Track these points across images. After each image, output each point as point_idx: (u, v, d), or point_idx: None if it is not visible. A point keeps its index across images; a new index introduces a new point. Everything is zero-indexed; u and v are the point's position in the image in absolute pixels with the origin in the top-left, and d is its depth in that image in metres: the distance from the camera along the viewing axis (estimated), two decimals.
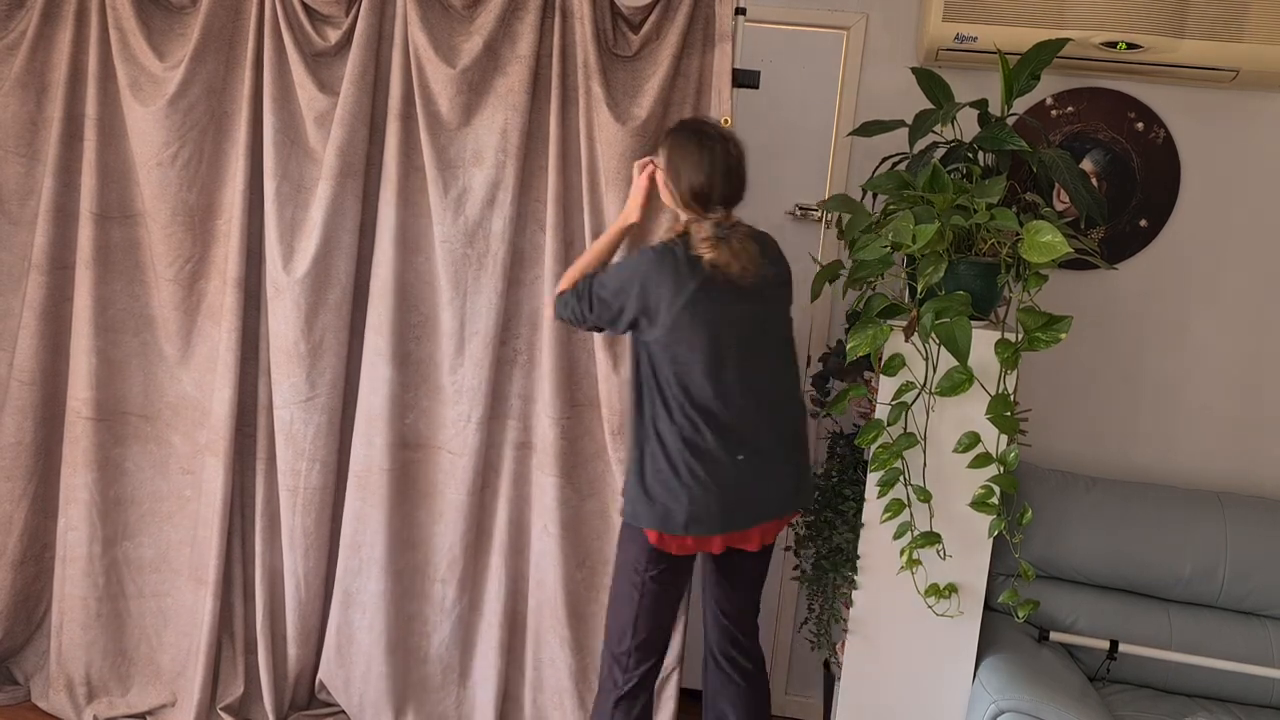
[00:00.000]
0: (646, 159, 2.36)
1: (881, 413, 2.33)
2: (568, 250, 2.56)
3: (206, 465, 2.73)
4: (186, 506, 2.80)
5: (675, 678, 2.68)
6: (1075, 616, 2.61)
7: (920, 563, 2.35)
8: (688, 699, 2.89)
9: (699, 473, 2.12)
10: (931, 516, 2.33)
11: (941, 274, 2.15)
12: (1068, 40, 2.40)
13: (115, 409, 2.77)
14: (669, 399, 2.15)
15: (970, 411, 2.28)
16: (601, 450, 2.62)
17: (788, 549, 2.81)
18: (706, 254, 2.12)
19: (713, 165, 2.13)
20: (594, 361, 2.57)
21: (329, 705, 2.84)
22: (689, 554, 2.23)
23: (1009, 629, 2.55)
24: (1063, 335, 2.14)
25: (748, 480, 2.16)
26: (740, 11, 2.48)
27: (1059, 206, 2.86)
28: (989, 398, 2.24)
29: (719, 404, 2.14)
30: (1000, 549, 2.66)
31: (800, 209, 3.03)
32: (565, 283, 2.34)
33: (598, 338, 2.51)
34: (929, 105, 2.77)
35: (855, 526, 2.48)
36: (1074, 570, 2.63)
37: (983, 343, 2.24)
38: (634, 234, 2.44)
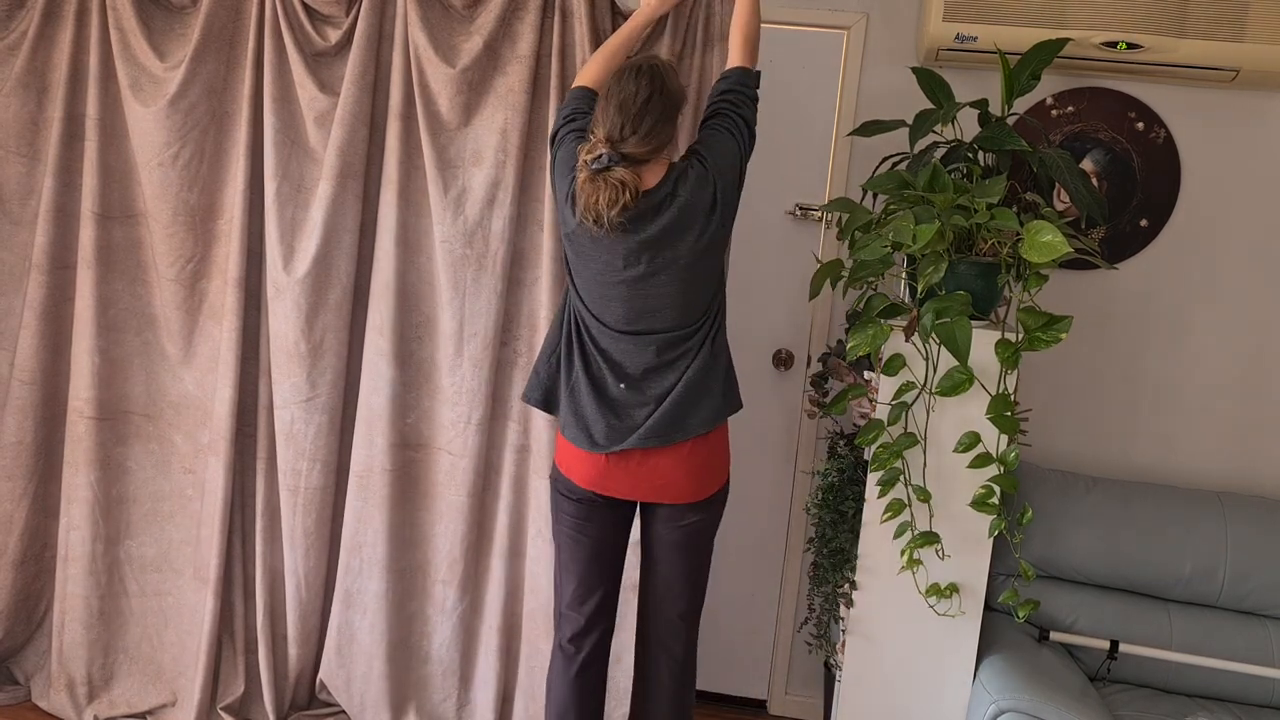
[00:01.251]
0: None
1: (882, 413, 2.33)
2: None
3: (208, 465, 2.73)
4: (188, 506, 2.80)
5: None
6: (1075, 616, 2.61)
7: (920, 563, 2.35)
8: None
9: (582, 379, 2.15)
10: (931, 516, 2.33)
11: (942, 274, 2.15)
12: (1068, 40, 2.40)
13: (117, 408, 2.78)
14: (575, 311, 2.18)
15: (970, 411, 2.28)
16: None
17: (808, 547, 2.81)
18: (579, 190, 2.04)
19: (619, 93, 2.03)
20: None
21: (329, 705, 2.84)
22: (591, 492, 2.19)
23: (1009, 629, 2.55)
24: (1063, 335, 2.14)
25: (627, 404, 2.13)
26: None
27: (1059, 206, 2.86)
28: (989, 398, 2.24)
29: (607, 337, 2.13)
30: (1000, 549, 2.66)
31: (800, 209, 3.03)
32: (580, 76, 2.28)
33: None
34: (929, 105, 2.77)
35: (855, 526, 2.48)
36: (1074, 570, 2.63)
37: (983, 343, 2.24)
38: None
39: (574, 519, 2.23)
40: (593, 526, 2.23)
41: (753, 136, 2.17)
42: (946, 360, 2.27)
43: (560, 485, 2.23)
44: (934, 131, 2.49)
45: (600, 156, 1.99)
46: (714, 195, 2.08)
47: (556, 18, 2.51)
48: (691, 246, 2.07)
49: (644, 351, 2.11)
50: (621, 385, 2.13)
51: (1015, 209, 2.46)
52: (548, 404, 2.24)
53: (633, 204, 2.00)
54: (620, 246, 2.05)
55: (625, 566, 2.38)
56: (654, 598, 2.29)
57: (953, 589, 2.34)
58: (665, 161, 2.08)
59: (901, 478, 2.31)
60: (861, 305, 2.35)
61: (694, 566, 2.27)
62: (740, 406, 2.22)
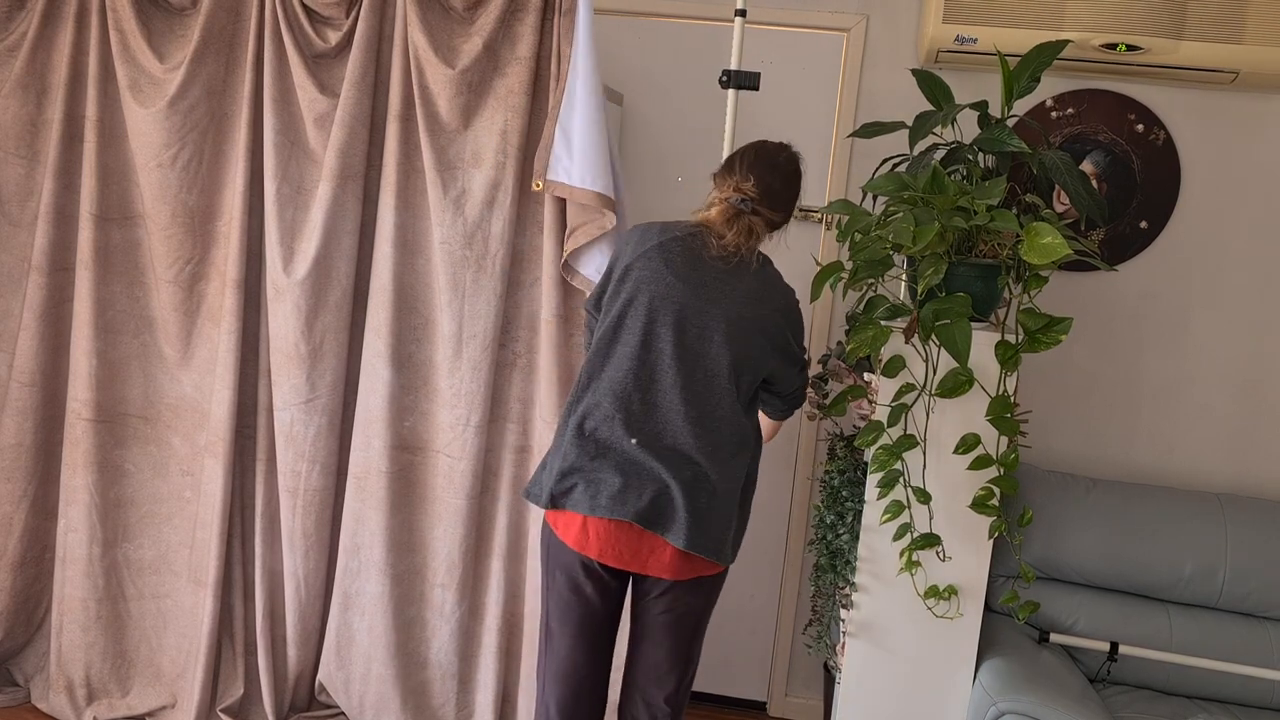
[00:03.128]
0: None
1: (881, 414, 2.33)
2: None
3: (206, 467, 2.73)
4: (186, 508, 2.80)
5: None
6: (1075, 618, 2.61)
7: (920, 564, 2.35)
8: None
9: (585, 442, 1.95)
10: (931, 518, 2.33)
11: (941, 275, 2.15)
12: (1068, 42, 2.40)
13: (115, 410, 2.77)
14: (588, 370, 2.01)
15: (970, 413, 2.28)
16: None
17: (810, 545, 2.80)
18: (707, 212, 2.11)
19: (755, 151, 2.14)
20: None
21: (329, 707, 2.84)
22: (584, 567, 1.98)
23: (1009, 630, 2.55)
24: (1063, 337, 2.14)
25: (638, 468, 1.92)
26: (740, 13, 2.48)
27: (1059, 208, 2.86)
28: (989, 399, 2.24)
29: (634, 379, 1.96)
30: (1000, 550, 2.66)
31: (800, 210, 3.02)
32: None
33: None
34: (929, 107, 2.78)
35: (855, 528, 2.47)
36: (1074, 571, 2.63)
37: (983, 344, 2.24)
38: None
39: (571, 590, 2.04)
40: (590, 608, 2.05)
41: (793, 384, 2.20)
42: (946, 362, 2.27)
43: (552, 537, 2.08)
44: (934, 133, 2.48)
45: (742, 199, 2.07)
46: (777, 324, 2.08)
47: (556, 19, 2.51)
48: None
49: (681, 417, 2.11)
50: (634, 440, 2.11)
51: (1015, 211, 2.46)
52: (539, 484, 2.09)
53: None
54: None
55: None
56: (639, 677, 2.10)
57: (952, 590, 2.34)
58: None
59: (901, 479, 2.31)
60: (861, 307, 2.35)
61: (689, 649, 2.08)
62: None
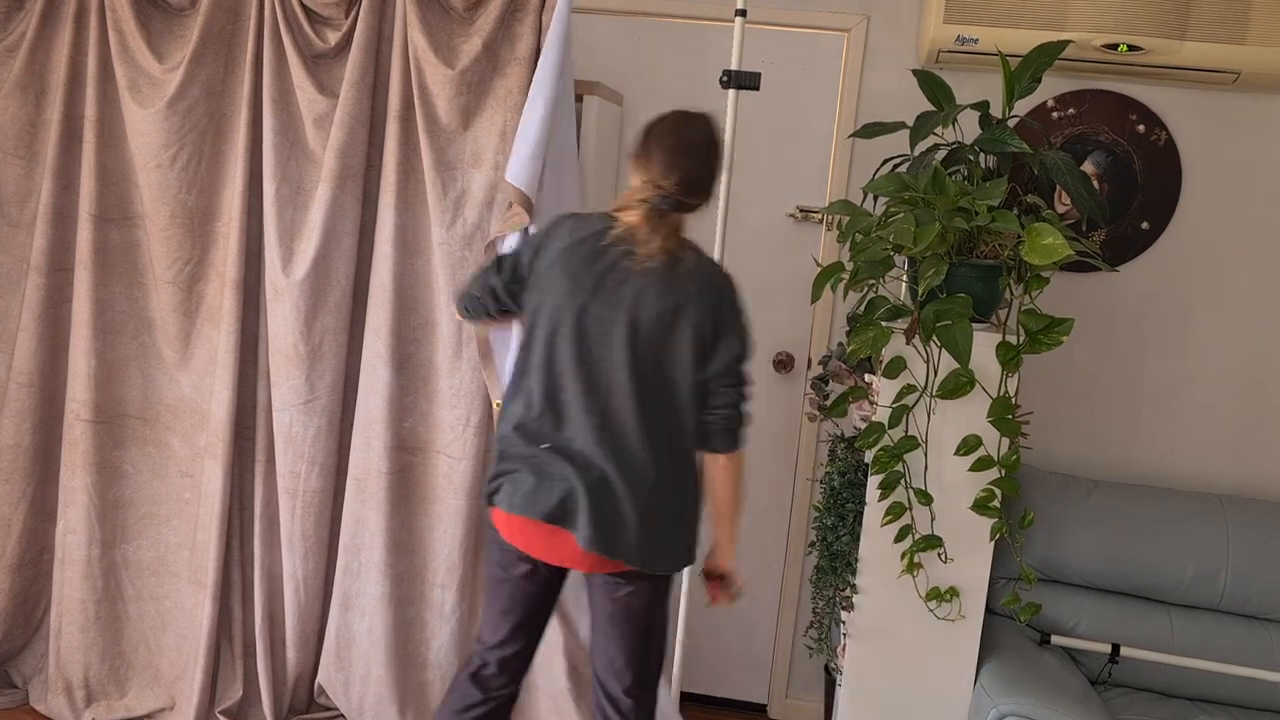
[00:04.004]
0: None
1: (882, 415, 2.32)
2: None
3: (205, 468, 2.72)
4: (185, 509, 2.80)
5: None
6: (1077, 620, 2.61)
7: (921, 566, 2.34)
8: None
9: (508, 444, 2.04)
10: (933, 520, 2.33)
11: (942, 276, 2.15)
12: (1069, 42, 2.39)
13: (114, 411, 2.77)
14: (514, 373, 2.07)
15: (971, 414, 2.28)
16: None
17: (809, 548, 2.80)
18: (625, 216, 2.00)
19: (671, 135, 2.00)
20: None
21: (328, 709, 2.83)
22: (514, 554, 2.07)
23: (1010, 632, 2.55)
24: (1064, 338, 2.13)
25: (549, 470, 1.99)
26: (741, 13, 2.48)
27: (1060, 209, 2.85)
28: (990, 400, 2.23)
29: (543, 387, 2.00)
30: (1001, 552, 2.66)
31: (801, 211, 3.02)
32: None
33: None
34: (930, 107, 2.77)
35: (856, 530, 2.47)
36: (1075, 573, 2.63)
37: (984, 345, 2.23)
38: None
39: (506, 567, 2.13)
40: (521, 583, 2.12)
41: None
42: (947, 363, 2.27)
43: (493, 523, 2.15)
44: (935, 133, 2.48)
45: (659, 196, 1.98)
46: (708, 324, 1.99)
47: (542, 18, 2.50)
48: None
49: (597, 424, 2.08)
50: (545, 445, 2.10)
51: (1016, 211, 2.45)
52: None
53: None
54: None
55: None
56: (599, 669, 2.15)
57: (953, 592, 2.33)
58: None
59: (902, 481, 2.30)
60: (862, 308, 2.34)
61: (645, 635, 2.10)
62: None
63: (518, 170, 2.40)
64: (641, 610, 2.08)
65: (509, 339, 2.50)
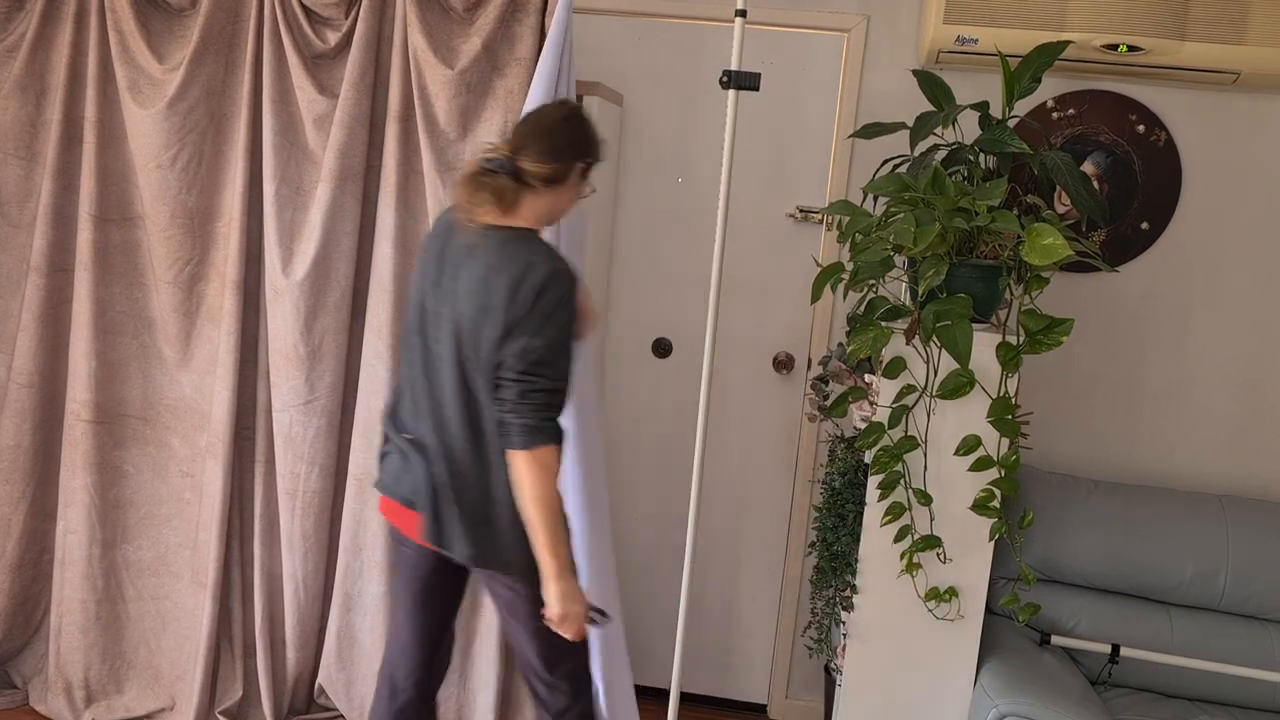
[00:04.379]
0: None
1: (882, 416, 2.32)
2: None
3: (206, 468, 2.72)
4: (186, 509, 2.80)
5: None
6: (1076, 620, 2.61)
7: (921, 566, 2.34)
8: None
9: (385, 430, 2.14)
10: (932, 520, 2.33)
11: (942, 276, 2.14)
12: (1069, 42, 2.39)
13: (115, 412, 2.77)
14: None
15: (971, 414, 2.28)
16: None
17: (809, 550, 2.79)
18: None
19: (533, 113, 1.99)
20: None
21: (328, 709, 2.83)
22: (394, 525, 2.11)
23: (1010, 632, 2.55)
24: (1064, 338, 2.13)
25: (406, 457, 2.03)
26: (741, 13, 2.47)
27: (1060, 209, 2.85)
28: (990, 400, 2.23)
29: (403, 378, 2.06)
30: (1001, 552, 2.66)
31: (801, 211, 3.02)
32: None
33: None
34: (930, 107, 2.77)
35: (856, 530, 2.47)
36: (1075, 573, 2.62)
37: (984, 345, 2.24)
38: None
39: (395, 555, 2.20)
40: (404, 572, 2.16)
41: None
42: (947, 363, 2.27)
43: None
44: (934, 134, 2.48)
45: (486, 160, 1.94)
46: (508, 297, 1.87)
47: (544, 19, 2.50)
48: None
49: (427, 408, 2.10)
50: (397, 432, 2.14)
51: (1016, 211, 2.45)
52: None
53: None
54: None
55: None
56: (515, 652, 2.16)
57: (953, 592, 2.33)
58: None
59: (902, 481, 2.30)
60: (862, 308, 2.34)
61: (520, 637, 2.08)
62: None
63: None
64: (506, 606, 2.06)
65: None
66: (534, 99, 2.38)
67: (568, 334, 1.89)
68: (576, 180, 2.03)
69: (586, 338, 2.22)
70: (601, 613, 2.02)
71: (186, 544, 2.80)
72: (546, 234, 2.39)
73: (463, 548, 1.98)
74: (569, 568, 1.93)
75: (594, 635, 2.40)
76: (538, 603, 2.01)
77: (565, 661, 2.10)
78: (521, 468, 1.88)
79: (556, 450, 1.88)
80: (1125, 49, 2.60)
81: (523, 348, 1.86)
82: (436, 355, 1.98)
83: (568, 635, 1.96)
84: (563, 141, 1.96)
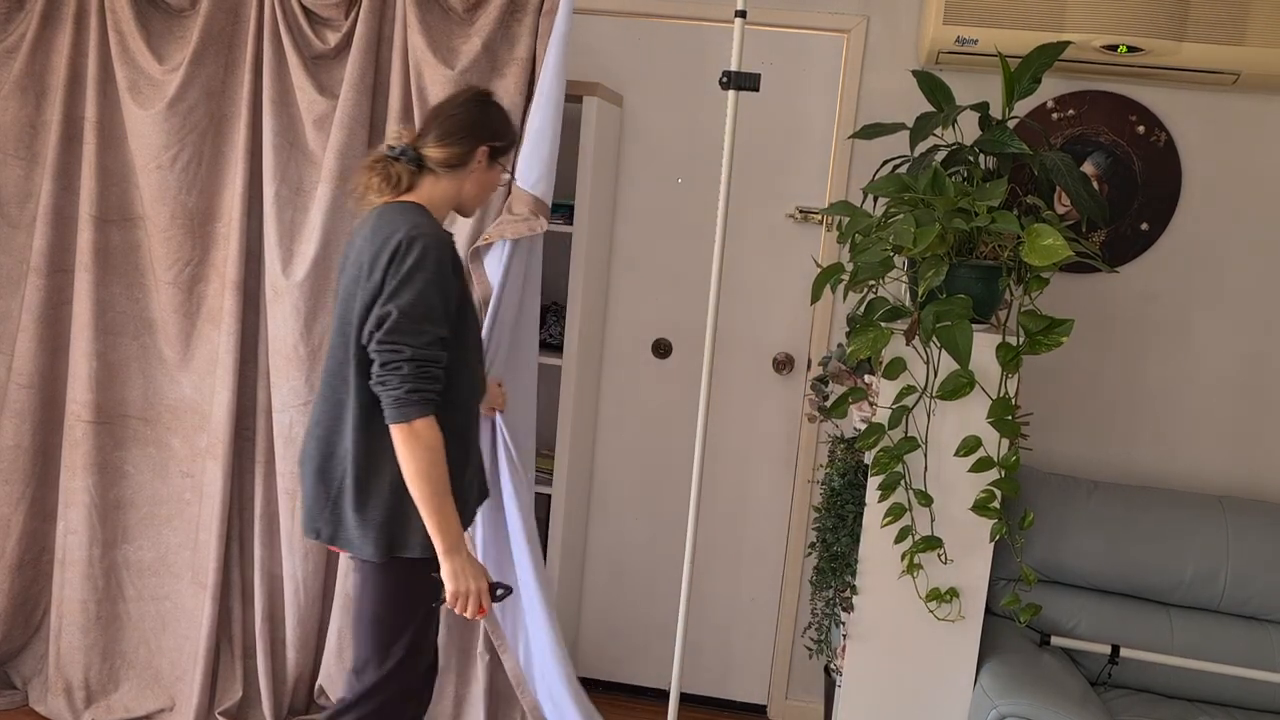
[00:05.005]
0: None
1: (882, 416, 2.32)
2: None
3: (206, 469, 2.72)
4: (186, 510, 2.80)
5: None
6: (1076, 620, 2.60)
7: (921, 567, 2.34)
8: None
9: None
10: (932, 521, 2.33)
11: (942, 277, 2.14)
12: (1069, 43, 2.39)
13: (115, 412, 2.77)
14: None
15: (971, 415, 2.28)
16: None
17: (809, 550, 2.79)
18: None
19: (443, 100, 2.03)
20: None
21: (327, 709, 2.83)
22: None
23: (1010, 633, 2.54)
24: (1064, 339, 2.13)
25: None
26: (740, 14, 2.47)
27: (1060, 209, 2.85)
28: (990, 401, 2.23)
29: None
30: (1001, 553, 2.66)
31: (801, 212, 3.02)
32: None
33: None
34: (929, 108, 2.77)
35: (856, 531, 2.47)
36: (1075, 574, 2.62)
37: (984, 346, 2.23)
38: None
39: None
40: None
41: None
42: (947, 364, 2.27)
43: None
44: (934, 134, 2.48)
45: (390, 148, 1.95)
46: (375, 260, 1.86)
47: (539, 19, 2.50)
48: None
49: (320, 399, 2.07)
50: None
51: (1016, 212, 2.45)
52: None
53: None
54: None
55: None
56: None
57: (953, 593, 2.33)
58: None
59: (902, 482, 2.30)
60: (862, 308, 2.34)
61: (357, 618, 2.00)
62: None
63: (534, 177, 2.37)
64: (358, 599, 1.99)
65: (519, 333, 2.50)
66: (546, 102, 2.37)
67: (429, 299, 1.82)
68: (483, 165, 2.00)
69: (490, 411, 2.27)
70: (507, 589, 2.00)
71: (186, 544, 2.80)
72: (499, 249, 2.38)
73: (322, 529, 1.96)
74: (460, 541, 1.88)
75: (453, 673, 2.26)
76: (379, 596, 1.95)
77: (369, 672, 1.99)
78: (397, 442, 1.83)
79: (430, 423, 1.82)
80: (1125, 50, 2.60)
81: (380, 315, 1.82)
82: (330, 339, 1.98)
83: (467, 614, 1.91)
84: (462, 124, 1.95)
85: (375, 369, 1.83)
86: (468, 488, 2.05)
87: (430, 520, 1.86)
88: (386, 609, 1.96)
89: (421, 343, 1.82)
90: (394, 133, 2.01)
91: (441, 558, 1.89)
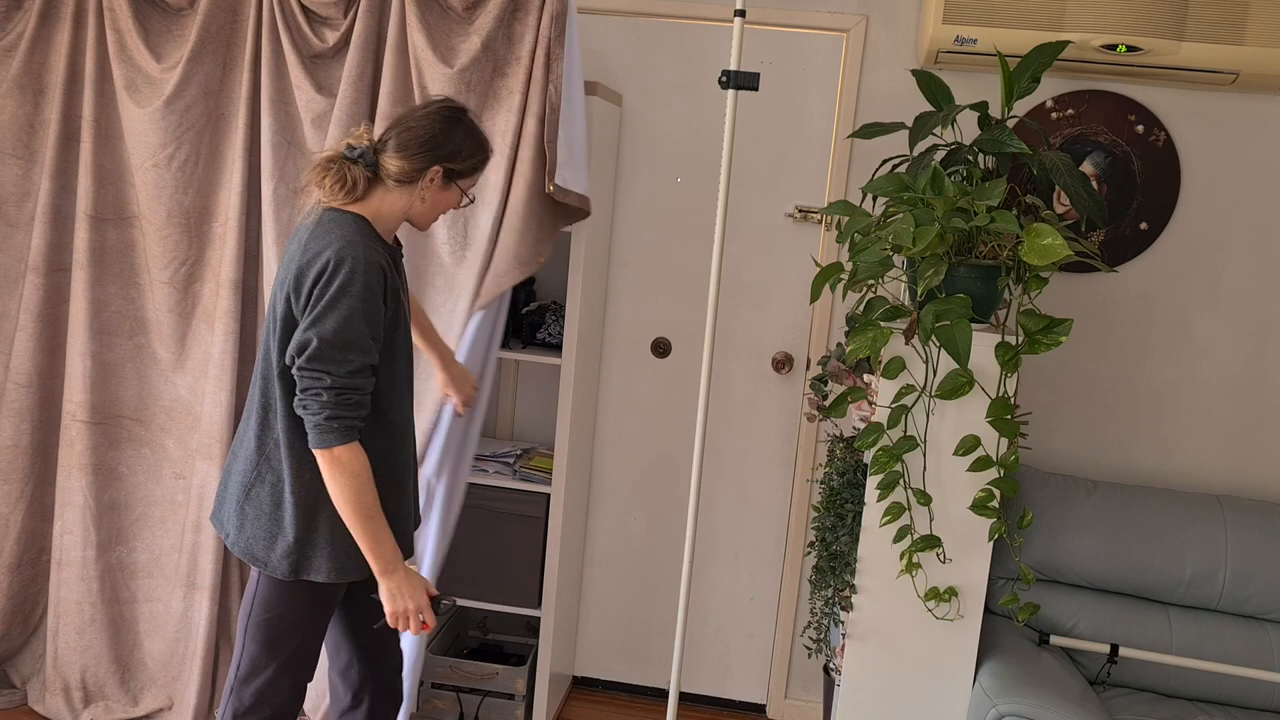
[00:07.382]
0: None
1: (881, 416, 2.32)
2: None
3: (199, 469, 2.72)
4: (178, 512, 2.79)
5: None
6: (1075, 620, 2.61)
7: (920, 566, 2.34)
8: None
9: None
10: (931, 520, 2.33)
11: (941, 277, 2.14)
12: (1068, 43, 2.39)
13: (110, 412, 2.76)
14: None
15: (970, 415, 2.28)
16: None
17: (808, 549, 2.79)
18: None
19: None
20: None
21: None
22: None
23: (1009, 633, 2.54)
24: (1063, 338, 2.13)
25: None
26: (740, 13, 2.47)
27: (1059, 209, 2.85)
28: (989, 401, 2.23)
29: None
30: (1000, 552, 2.66)
31: (800, 211, 3.02)
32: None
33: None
34: (929, 107, 2.77)
35: (855, 530, 2.47)
36: (1074, 574, 2.62)
37: (983, 346, 2.23)
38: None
39: None
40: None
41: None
42: (946, 363, 2.27)
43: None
44: (934, 134, 2.48)
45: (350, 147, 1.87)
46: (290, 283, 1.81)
47: (540, 19, 2.50)
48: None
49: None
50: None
51: (1015, 212, 2.45)
52: None
53: None
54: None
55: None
56: None
57: (952, 592, 2.33)
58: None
59: (901, 481, 2.30)
60: (861, 308, 2.34)
61: (243, 626, 1.96)
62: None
63: (586, 177, 2.49)
64: (247, 603, 1.95)
65: (486, 326, 2.52)
66: (576, 101, 2.43)
67: (354, 326, 1.76)
68: (435, 185, 1.90)
69: (463, 410, 2.26)
70: (451, 601, 2.02)
71: (177, 546, 2.80)
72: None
73: (227, 532, 1.93)
74: (394, 562, 1.84)
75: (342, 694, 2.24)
76: (263, 606, 1.92)
77: (250, 684, 1.95)
78: (321, 467, 1.80)
79: (353, 449, 1.78)
80: (1124, 49, 2.60)
81: (302, 341, 1.76)
82: (264, 336, 1.91)
83: (411, 632, 1.89)
84: (419, 139, 1.86)
85: (298, 392, 1.80)
86: (404, 519, 2.00)
87: (363, 543, 1.82)
88: (260, 621, 1.93)
89: (344, 371, 1.77)
90: (355, 132, 1.92)
91: (379, 578, 1.86)
